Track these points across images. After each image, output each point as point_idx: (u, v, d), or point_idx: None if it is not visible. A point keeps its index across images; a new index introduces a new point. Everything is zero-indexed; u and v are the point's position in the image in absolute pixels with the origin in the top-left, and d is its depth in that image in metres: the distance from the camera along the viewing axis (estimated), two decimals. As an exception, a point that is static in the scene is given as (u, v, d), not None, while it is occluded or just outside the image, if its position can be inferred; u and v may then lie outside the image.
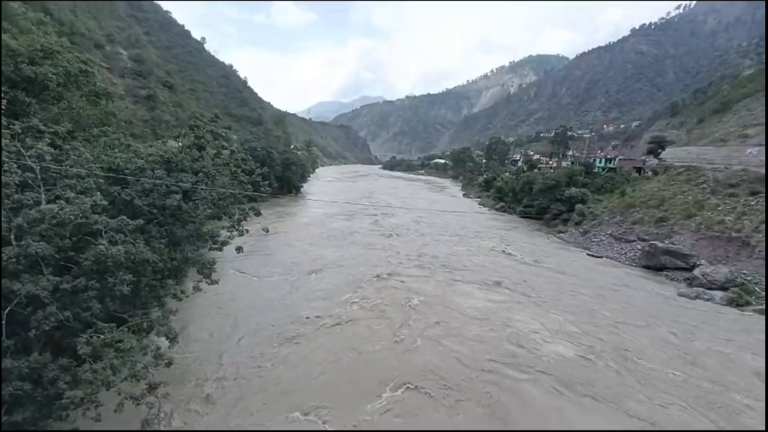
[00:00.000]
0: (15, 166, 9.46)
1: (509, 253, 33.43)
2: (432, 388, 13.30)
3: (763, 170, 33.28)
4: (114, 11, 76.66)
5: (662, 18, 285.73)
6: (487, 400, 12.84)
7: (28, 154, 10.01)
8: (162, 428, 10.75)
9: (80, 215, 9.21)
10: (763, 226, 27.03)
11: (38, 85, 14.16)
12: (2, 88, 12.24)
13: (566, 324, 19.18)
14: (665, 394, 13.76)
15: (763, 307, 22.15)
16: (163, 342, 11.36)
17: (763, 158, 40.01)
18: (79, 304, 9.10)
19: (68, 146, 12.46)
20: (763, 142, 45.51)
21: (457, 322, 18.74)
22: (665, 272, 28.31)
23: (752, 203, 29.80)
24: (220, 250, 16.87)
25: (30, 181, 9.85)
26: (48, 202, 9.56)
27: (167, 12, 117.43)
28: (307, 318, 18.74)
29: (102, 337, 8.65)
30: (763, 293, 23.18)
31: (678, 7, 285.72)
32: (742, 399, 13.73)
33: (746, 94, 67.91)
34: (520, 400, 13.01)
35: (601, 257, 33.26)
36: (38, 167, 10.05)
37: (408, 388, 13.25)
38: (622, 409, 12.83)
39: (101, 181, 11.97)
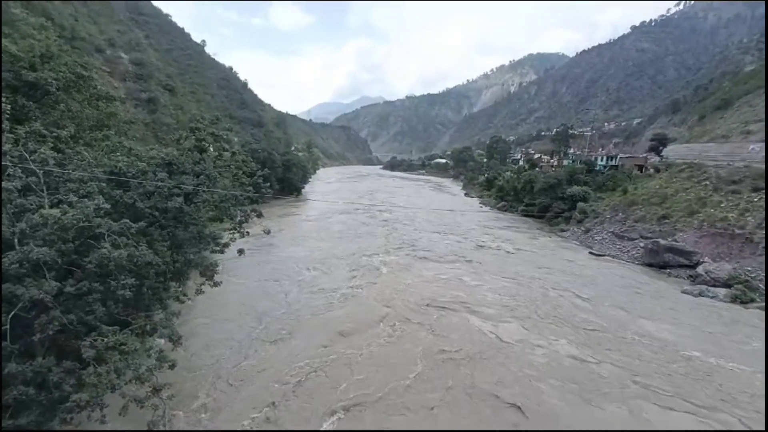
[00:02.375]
0: (18, 170, 9.50)
1: (508, 251, 33.37)
2: (405, 320, 19.09)
3: (765, 166, 33.13)
4: (114, 15, 76.99)
5: (662, 15, 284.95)
6: (434, 322, 18.94)
7: (31, 158, 10.05)
8: (167, 429, 10.75)
9: (83, 219, 9.24)
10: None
11: (39, 89, 14.21)
12: (3, 93, 12.29)
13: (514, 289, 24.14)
14: (562, 320, 19.57)
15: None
16: (166, 344, 11.38)
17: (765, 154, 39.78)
18: (82, 307, 9.13)
19: (71, 150, 12.51)
20: (765, 139, 45.30)
21: (437, 293, 23.12)
22: (668, 270, 28.21)
23: (755, 200, 29.65)
24: (222, 252, 16.90)
25: (33, 185, 9.88)
26: (51, 206, 9.58)
27: (167, 15, 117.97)
28: (313, 301, 21.38)
29: (106, 340, 8.66)
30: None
31: (678, 4, 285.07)
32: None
33: (747, 90, 67.58)
34: (457, 320, 19.22)
35: (603, 255, 33.16)
36: (41, 171, 10.08)
37: (393, 322, 18.73)
38: (526, 325, 18.70)
39: (103, 184, 12.00)
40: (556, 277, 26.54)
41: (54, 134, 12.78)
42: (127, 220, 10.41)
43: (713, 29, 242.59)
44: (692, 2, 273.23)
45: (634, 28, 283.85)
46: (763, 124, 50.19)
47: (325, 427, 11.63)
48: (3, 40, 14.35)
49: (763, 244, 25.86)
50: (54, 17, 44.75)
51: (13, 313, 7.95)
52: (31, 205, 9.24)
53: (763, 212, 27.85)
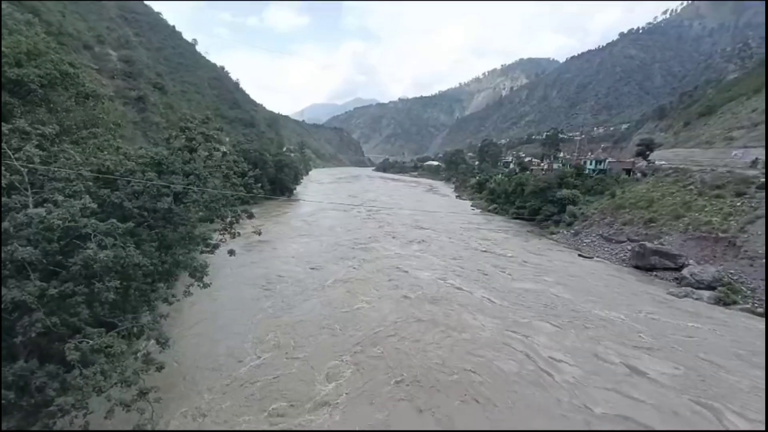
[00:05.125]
0: (2, 168, 9.26)
1: (499, 253, 33.67)
2: (379, 285, 24.51)
3: (747, 171, 34.06)
4: (104, 12, 75.72)
5: (649, 23, 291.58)
6: (398, 281, 25.19)
7: (15, 156, 9.79)
8: (157, 428, 10.54)
9: (68, 219, 9.02)
10: (749, 226, 27.63)
11: (24, 86, 13.87)
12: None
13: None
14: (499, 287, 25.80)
15: (749, 306, 22.64)
16: (154, 346, 11.17)
17: (747, 160, 40.94)
18: (66, 309, 8.91)
19: (56, 148, 12.23)
20: (747, 144, 46.59)
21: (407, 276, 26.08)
22: (655, 272, 28.76)
23: (738, 204, 30.45)
24: (212, 252, 16.71)
25: (17, 184, 9.63)
26: (36, 205, 9.35)
27: (158, 13, 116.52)
28: (307, 288, 23.70)
29: (91, 342, 8.47)
30: (749, 292, 23.68)
31: (665, 12, 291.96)
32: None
33: (730, 97, 69.53)
34: (415, 281, 25.48)
35: (591, 257, 33.65)
36: (25, 170, 9.83)
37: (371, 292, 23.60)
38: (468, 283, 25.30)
39: (90, 183, 11.75)
40: (541, 274, 27.45)
41: (39, 132, 12.46)
42: (114, 221, 10.19)
43: (698, 37, 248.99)
44: (679, 8, 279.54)
45: (622, 35, 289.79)
46: (746, 130, 51.59)
47: (343, 357, 15.23)
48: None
49: (745, 248, 26.55)
50: (41, 13, 43.84)
51: (-6, 314, 7.74)
52: (15, 204, 9.01)
53: (745, 216, 28.61)
